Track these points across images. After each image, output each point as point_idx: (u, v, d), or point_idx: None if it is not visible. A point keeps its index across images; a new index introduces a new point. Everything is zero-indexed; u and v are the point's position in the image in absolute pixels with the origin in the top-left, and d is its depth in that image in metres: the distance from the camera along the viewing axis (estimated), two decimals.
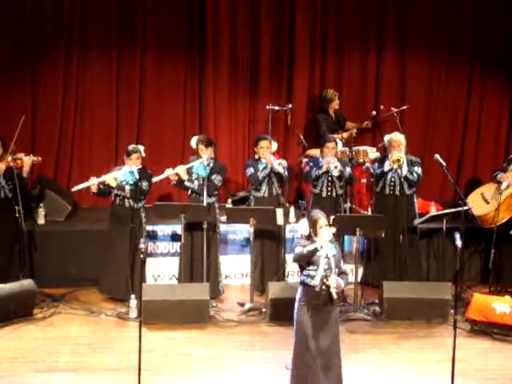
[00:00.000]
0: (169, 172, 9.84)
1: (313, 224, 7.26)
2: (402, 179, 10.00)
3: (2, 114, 11.39)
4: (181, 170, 9.83)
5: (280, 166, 9.92)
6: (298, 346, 7.27)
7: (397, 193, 10.07)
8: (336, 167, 9.89)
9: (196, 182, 9.84)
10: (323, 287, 7.19)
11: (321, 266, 7.19)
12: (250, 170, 10.07)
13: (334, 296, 7.17)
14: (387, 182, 10.13)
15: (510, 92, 12.19)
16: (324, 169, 10.00)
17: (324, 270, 7.20)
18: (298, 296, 7.34)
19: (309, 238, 7.29)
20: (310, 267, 7.23)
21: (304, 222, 7.37)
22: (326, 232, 7.21)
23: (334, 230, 7.32)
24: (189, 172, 9.86)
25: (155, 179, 9.83)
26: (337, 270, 7.28)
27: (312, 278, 7.22)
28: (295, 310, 7.32)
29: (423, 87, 12.13)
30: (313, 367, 7.17)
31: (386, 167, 10.07)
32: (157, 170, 10.01)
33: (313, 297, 7.23)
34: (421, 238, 10.43)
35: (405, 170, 9.96)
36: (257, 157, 10.08)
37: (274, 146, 10.18)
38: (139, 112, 11.80)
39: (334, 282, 7.15)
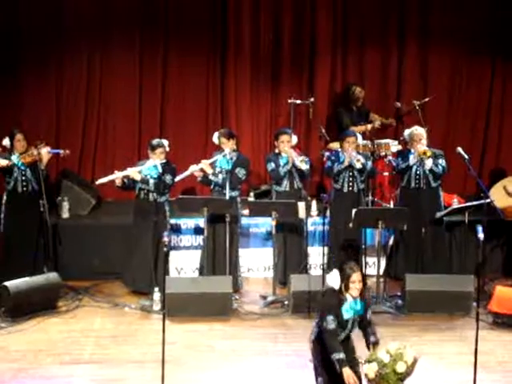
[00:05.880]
0: (193, 168, 9.86)
1: (346, 277, 6.60)
2: (428, 172, 10.00)
3: (27, 110, 11.50)
4: (205, 164, 9.86)
5: (302, 162, 9.91)
6: None
7: (422, 186, 10.06)
8: (358, 160, 9.85)
9: (220, 176, 9.86)
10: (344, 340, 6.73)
11: (347, 329, 6.70)
12: (271, 166, 10.07)
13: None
14: (412, 176, 10.09)
15: None
16: (346, 163, 9.94)
17: (348, 330, 6.73)
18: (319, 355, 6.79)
19: (337, 291, 6.65)
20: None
21: (336, 273, 6.70)
22: (356, 288, 6.61)
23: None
24: (212, 166, 9.90)
25: (179, 177, 9.83)
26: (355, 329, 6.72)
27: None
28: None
29: (445, 80, 12.08)
30: None
31: (412, 161, 10.02)
32: (179, 165, 10.04)
33: None
34: None
35: (430, 163, 9.92)
36: (277, 151, 10.10)
37: (294, 139, 10.15)
38: (162, 107, 11.84)
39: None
